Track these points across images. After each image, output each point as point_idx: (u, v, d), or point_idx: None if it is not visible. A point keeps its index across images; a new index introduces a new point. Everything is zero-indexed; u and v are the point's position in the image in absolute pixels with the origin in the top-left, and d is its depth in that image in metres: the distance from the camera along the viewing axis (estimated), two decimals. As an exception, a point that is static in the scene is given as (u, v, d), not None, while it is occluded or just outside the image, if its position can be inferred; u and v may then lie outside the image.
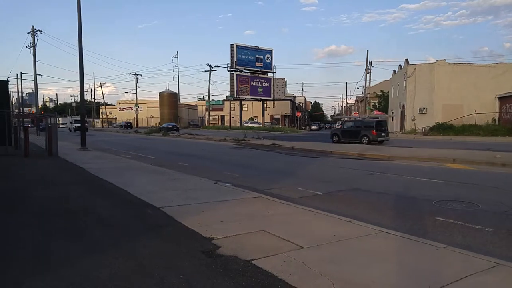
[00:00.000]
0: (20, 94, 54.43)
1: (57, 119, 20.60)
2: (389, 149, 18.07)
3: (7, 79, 19.96)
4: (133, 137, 37.09)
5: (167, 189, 7.75)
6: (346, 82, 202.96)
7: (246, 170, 12.13)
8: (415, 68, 38.72)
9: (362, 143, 23.03)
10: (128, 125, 65.80)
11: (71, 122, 56.09)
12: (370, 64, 50.42)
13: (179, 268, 3.58)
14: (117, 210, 6.13)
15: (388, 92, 54.18)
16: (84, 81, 18.78)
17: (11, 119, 17.13)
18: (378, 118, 29.00)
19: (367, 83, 51.52)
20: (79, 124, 46.59)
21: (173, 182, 8.70)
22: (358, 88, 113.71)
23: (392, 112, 49.03)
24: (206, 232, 4.73)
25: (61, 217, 5.61)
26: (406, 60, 40.73)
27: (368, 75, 50.55)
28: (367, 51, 52.98)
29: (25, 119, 32.00)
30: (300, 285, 3.20)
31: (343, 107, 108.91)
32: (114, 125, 78.09)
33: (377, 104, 61.92)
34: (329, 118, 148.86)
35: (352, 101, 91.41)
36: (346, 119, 33.47)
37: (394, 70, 48.26)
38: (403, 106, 41.19)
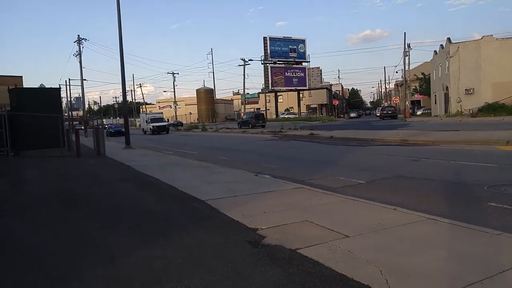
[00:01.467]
0: (68, 99, 57.82)
1: (102, 120, 21.79)
2: (433, 134, 17.28)
3: (59, 86, 21.35)
4: (173, 134, 38.28)
5: (210, 182, 7.99)
6: (384, 67, 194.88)
7: (285, 162, 12.17)
8: (458, 47, 36.50)
9: (249, 127, 36.49)
10: None
11: (147, 121, 39.61)
12: (408, 46, 48.19)
13: (227, 257, 3.72)
14: (164, 204, 6.42)
15: (429, 74, 51.52)
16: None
17: (64, 123, 18.35)
18: (256, 112, 51.01)
19: (406, 66, 49.33)
20: (161, 124, 39.34)
21: (215, 175, 8.95)
22: (397, 72, 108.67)
23: (435, 95, 46.66)
24: (251, 223, 4.84)
25: (113, 211, 5.99)
26: (448, 38, 38.52)
27: (406, 58, 48.38)
28: (404, 33, 50.74)
29: (74, 122, 34.18)
30: (347, 272, 3.20)
31: (382, 93, 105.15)
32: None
33: (418, 87, 59.04)
34: (369, 105, 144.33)
35: (392, 85, 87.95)
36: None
37: (435, 51, 45.81)
38: (447, 87, 39.08)
